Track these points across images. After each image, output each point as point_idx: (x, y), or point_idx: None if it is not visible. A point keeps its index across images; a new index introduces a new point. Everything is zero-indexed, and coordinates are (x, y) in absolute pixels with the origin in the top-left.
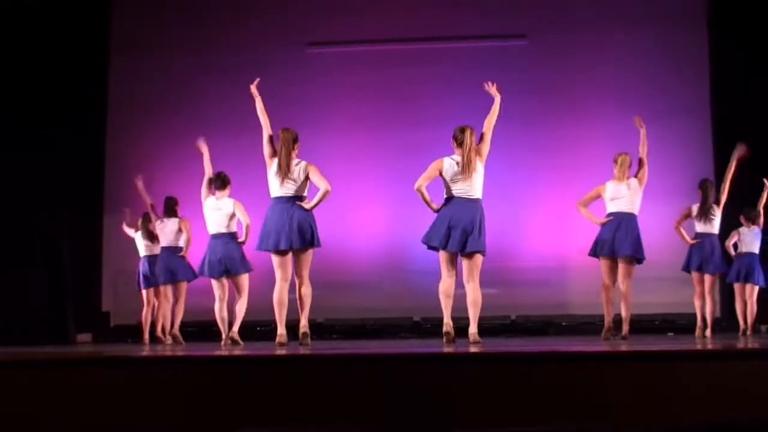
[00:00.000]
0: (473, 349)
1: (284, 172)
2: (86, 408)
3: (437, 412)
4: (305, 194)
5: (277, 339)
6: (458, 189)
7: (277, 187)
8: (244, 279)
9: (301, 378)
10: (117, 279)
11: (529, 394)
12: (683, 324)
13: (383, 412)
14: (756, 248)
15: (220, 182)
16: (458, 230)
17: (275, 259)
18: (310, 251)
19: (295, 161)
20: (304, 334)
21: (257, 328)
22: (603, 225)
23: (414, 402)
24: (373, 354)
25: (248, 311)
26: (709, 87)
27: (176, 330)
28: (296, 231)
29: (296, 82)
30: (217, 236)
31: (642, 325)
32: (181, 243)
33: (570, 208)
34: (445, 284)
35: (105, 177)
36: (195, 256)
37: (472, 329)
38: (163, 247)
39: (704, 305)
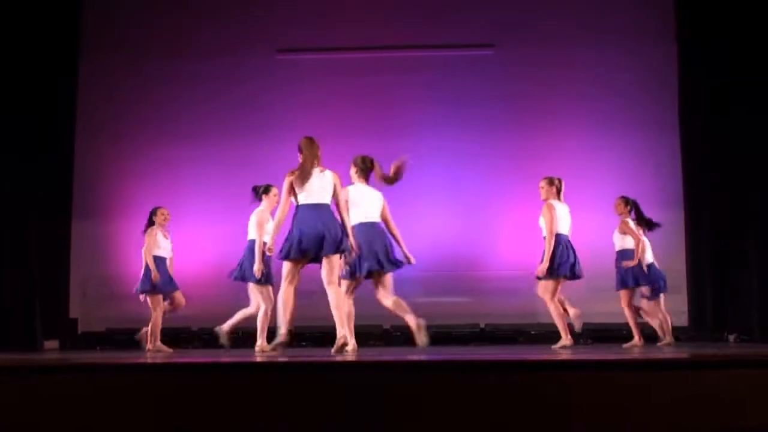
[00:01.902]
0: (443, 356)
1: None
2: (54, 417)
3: (405, 419)
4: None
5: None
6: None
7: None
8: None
9: (276, 385)
10: (85, 285)
11: (498, 402)
12: (652, 333)
13: (354, 419)
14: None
15: None
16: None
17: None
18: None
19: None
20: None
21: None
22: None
23: (383, 409)
24: (343, 362)
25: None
26: (678, 100)
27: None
28: (328, 238)
29: (265, 88)
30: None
31: (611, 333)
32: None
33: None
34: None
35: (74, 181)
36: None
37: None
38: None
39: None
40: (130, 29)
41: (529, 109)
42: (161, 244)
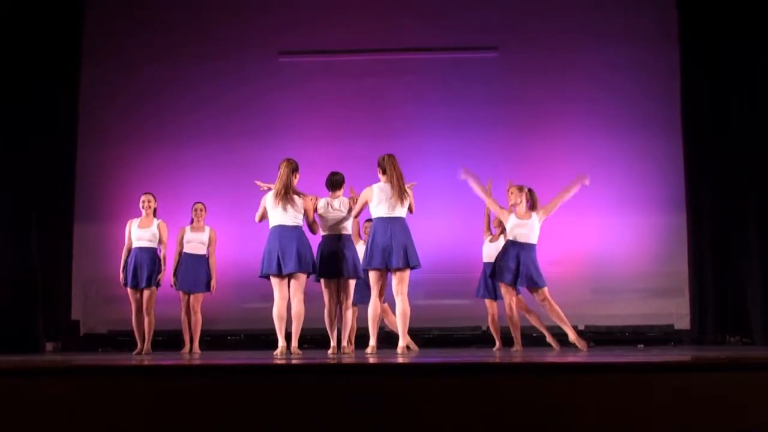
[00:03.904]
0: (444, 359)
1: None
2: (56, 419)
3: (406, 421)
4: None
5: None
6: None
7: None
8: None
9: (275, 387)
10: (87, 287)
11: (500, 404)
12: (654, 336)
13: (355, 422)
14: None
15: None
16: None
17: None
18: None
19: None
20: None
21: (228, 337)
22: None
23: (384, 411)
24: (344, 364)
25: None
26: (680, 101)
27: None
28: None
29: (267, 90)
30: None
31: (613, 336)
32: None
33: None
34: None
35: (75, 182)
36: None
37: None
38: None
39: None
40: (131, 32)
41: (531, 111)
42: (134, 235)
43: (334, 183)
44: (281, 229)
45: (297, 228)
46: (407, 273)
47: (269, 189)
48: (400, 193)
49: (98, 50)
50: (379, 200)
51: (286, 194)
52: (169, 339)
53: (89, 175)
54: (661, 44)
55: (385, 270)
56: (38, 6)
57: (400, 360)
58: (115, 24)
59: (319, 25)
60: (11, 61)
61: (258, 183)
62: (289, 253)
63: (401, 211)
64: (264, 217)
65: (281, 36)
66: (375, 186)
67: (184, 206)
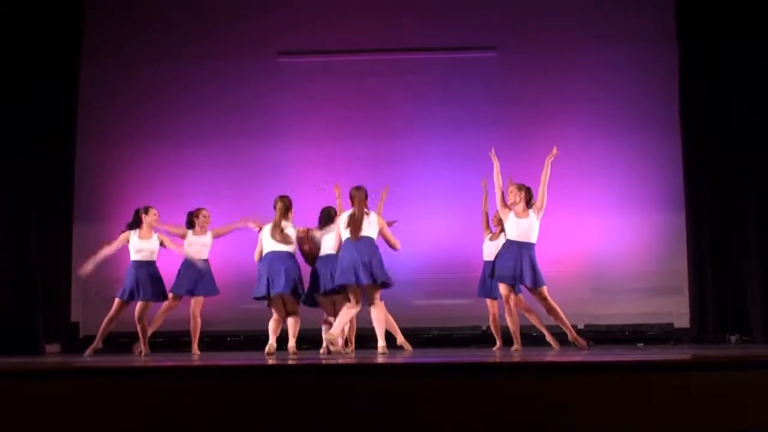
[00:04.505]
0: (444, 359)
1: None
2: (56, 420)
3: (406, 421)
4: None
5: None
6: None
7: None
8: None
9: (275, 387)
10: (87, 289)
11: (500, 404)
12: (654, 334)
13: (355, 422)
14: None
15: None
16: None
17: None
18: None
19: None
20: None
21: (227, 338)
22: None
23: (384, 411)
24: (343, 364)
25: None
26: (679, 101)
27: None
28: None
29: (267, 90)
30: None
31: (613, 335)
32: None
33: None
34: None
35: (75, 184)
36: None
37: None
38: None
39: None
40: (131, 32)
41: (531, 111)
42: (137, 246)
43: (329, 219)
44: (273, 254)
45: (289, 254)
46: (376, 292)
47: (260, 228)
48: (356, 225)
49: (98, 50)
50: (346, 224)
51: (282, 230)
52: (168, 341)
53: (89, 175)
54: (660, 44)
55: (354, 284)
56: (38, 6)
57: (400, 360)
58: (115, 24)
59: (319, 25)
60: (11, 61)
61: (251, 226)
62: (278, 276)
63: (370, 232)
64: (261, 253)
65: (281, 36)
66: (344, 213)
67: (185, 206)
